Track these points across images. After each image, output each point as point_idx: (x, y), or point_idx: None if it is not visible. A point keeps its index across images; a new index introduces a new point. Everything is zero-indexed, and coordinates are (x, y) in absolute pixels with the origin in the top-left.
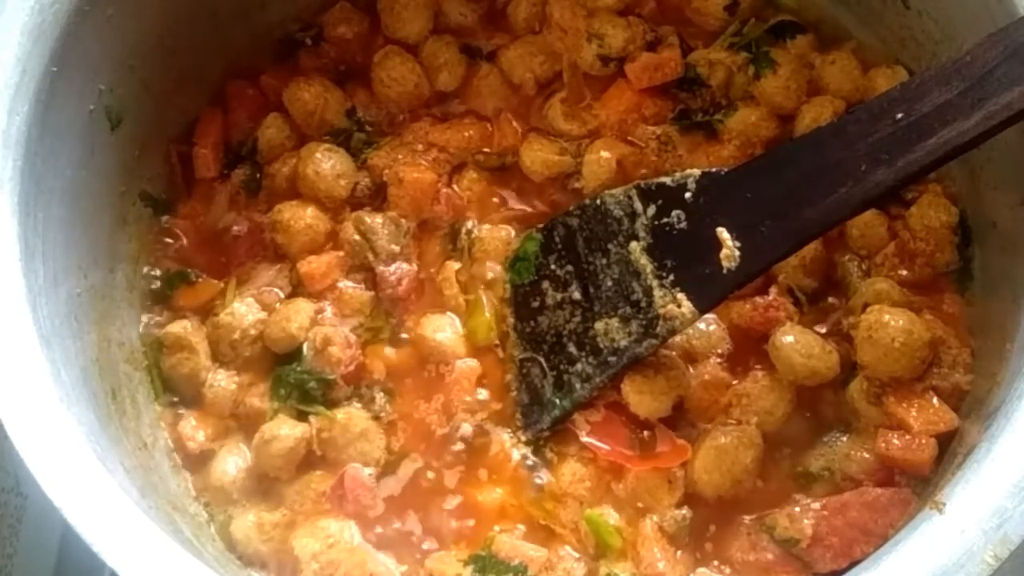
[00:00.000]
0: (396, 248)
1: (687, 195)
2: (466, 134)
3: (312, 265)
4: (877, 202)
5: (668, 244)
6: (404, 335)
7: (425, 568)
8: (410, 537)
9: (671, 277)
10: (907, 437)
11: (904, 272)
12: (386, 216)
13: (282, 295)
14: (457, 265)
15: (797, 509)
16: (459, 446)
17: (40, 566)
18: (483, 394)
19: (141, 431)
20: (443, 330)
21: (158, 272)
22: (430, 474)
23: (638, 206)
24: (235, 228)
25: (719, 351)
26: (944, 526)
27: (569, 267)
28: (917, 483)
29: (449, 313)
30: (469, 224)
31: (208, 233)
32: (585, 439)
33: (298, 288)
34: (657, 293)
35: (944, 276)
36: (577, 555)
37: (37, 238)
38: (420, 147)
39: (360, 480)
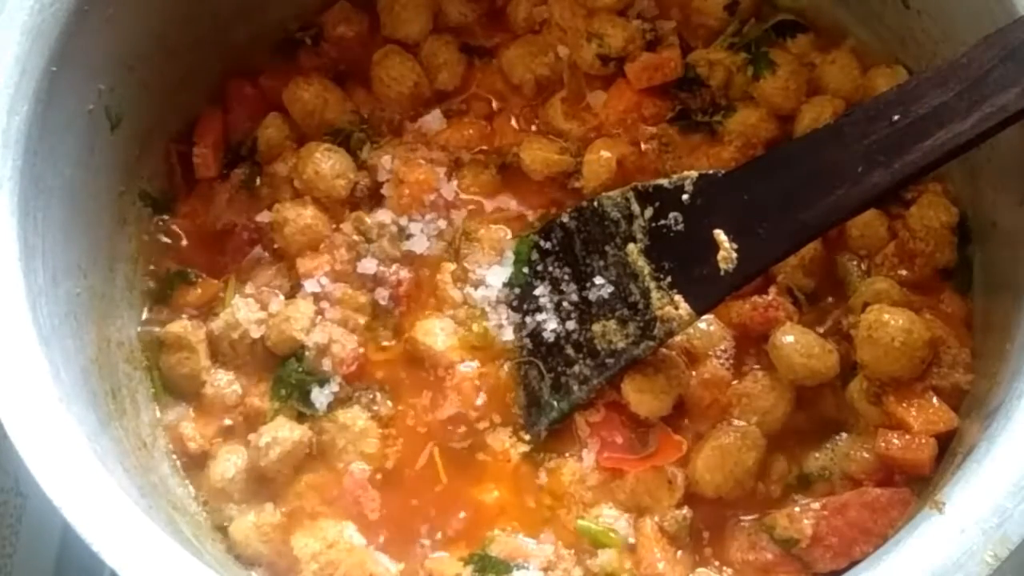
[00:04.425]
0: (395, 249)
1: (684, 197)
2: (466, 133)
3: (311, 265)
4: (874, 204)
5: (666, 246)
6: (403, 336)
7: (425, 568)
8: (410, 537)
9: (669, 279)
10: (907, 437)
11: (904, 272)
12: (386, 216)
13: (282, 295)
14: (453, 266)
15: (797, 509)
16: (458, 446)
17: (40, 566)
18: (482, 396)
19: (141, 431)
20: (436, 333)
21: (158, 272)
22: (430, 473)
23: (635, 208)
24: (235, 228)
25: (721, 348)
26: (944, 526)
27: (567, 269)
28: (917, 483)
29: (445, 315)
30: (467, 224)
31: (208, 233)
32: (585, 439)
33: (297, 288)
34: (655, 295)
35: (944, 276)
36: (577, 555)
37: (37, 238)
38: (420, 147)
39: (360, 480)
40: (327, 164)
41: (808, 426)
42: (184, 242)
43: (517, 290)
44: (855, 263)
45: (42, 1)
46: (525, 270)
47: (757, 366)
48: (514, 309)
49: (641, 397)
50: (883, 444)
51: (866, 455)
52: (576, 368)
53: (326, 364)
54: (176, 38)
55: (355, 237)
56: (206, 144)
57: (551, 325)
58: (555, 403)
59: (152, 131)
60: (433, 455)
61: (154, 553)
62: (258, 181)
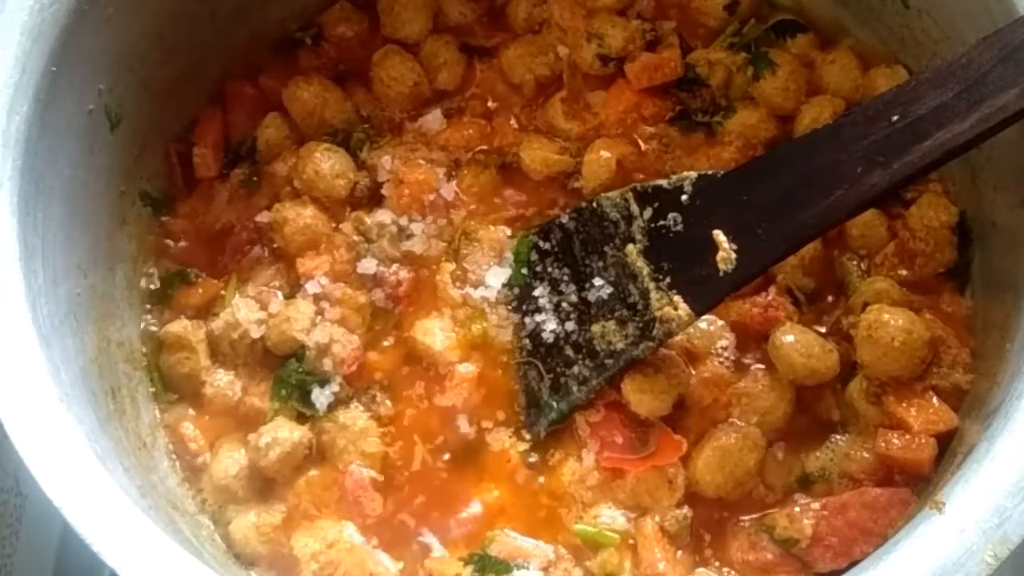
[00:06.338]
0: (395, 249)
1: (683, 198)
2: (466, 133)
3: (311, 265)
4: (873, 204)
5: (665, 247)
6: (403, 336)
7: (424, 568)
8: (410, 537)
9: (668, 280)
10: (907, 437)
11: (904, 272)
12: (386, 216)
13: (282, 295)
14: (453, 266)
15: (797, 509)
16: (459, 446)
17: (40, 566)
18: (481, 396)
19: (141, 431)
20: (435, 333)
21: (158, 272)
22: (430, 473)
23: (635, 209)
24: (234, 228)
25: (721, 347)
26: (944, 526)
27: (566, 270)
28: (917, 483)
29: (444, 315)
30: (467, 224)
31: (208, 233)
32: (585, 439)
33: (297, 288)
34: (654, 296)
35: (944, 276)
36: (577, 555)
37: (37, 238)
38: (420, 147)
39: (360, 480)
40: (327, 164)
41: (808, 426)
42: (184, 242)
43: (516, 291)
44: (855, 263)
45: (42, 1)
46: (524, 271)
47: (757, 365)
48: (513, 310)
49: (641, 397)
50: (883, 444)
51: (866, 455)
52: (575, 369)
53: (326, 364)
54: (176, 38)
55: (355, 237)
56: (206, 144)
57: (550, 326)
58: (554, 404)
59: (152, 131)
60: (434, 455)
61: (154, 553)
62: (258, 181)
